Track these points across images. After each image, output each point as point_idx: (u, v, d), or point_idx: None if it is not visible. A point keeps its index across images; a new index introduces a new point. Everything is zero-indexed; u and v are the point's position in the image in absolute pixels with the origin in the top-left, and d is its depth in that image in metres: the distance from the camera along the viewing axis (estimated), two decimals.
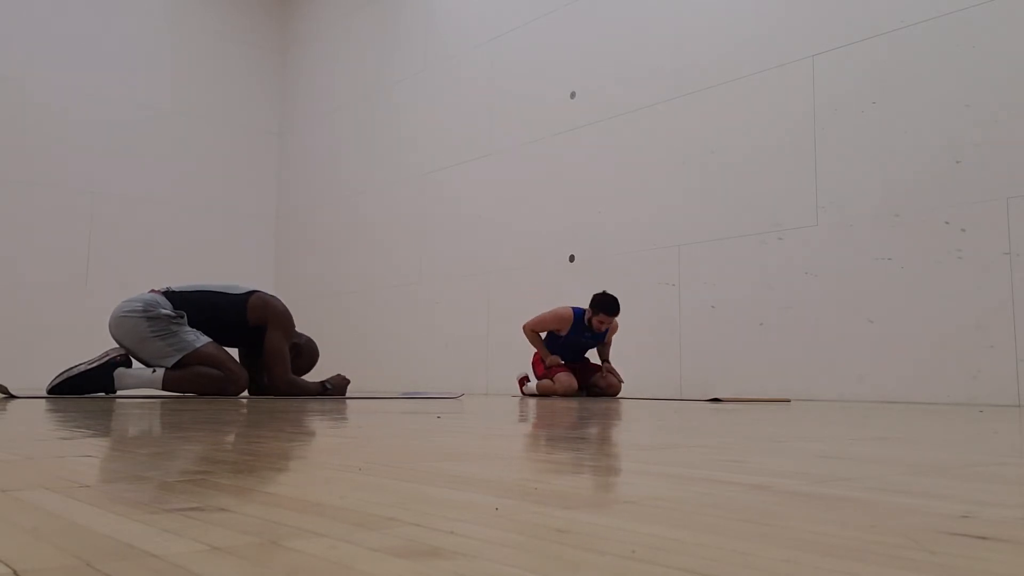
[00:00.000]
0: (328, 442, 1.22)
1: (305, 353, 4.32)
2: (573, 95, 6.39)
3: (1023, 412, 2.92)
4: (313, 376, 7.47)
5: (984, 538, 0.49)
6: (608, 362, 5.21)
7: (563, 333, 5.14)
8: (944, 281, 4.29)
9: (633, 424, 1.86)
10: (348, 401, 3.55)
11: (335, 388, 4.22)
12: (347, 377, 4.33)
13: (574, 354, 5.29)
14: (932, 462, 0.98)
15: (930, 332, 4.32)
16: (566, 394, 5.05)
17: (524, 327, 5.26)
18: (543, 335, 5.30)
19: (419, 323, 7.58)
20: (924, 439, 1.41)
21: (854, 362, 4.59)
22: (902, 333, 4.42)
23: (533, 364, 5.32)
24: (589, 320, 5.04)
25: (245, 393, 4.25)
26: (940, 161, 4.36)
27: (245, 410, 2.38)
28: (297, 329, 4.39)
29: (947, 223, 4.31)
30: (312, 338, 4.56)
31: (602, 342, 5.24)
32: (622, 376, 5.26)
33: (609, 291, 5.81)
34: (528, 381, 5.51)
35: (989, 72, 4.24)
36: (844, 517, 0.56)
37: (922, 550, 0.45)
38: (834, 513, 0.58)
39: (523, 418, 2.13)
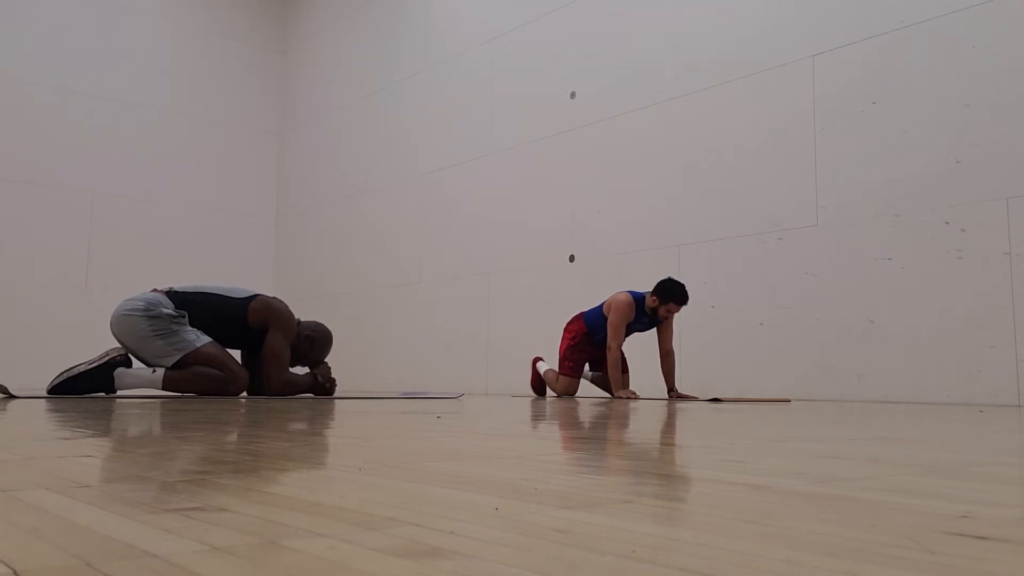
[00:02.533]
0: (328, 442, 1.22)
1: (318, 344, 4.32)
2: (573, 95, 6.39)
3: (1023, 412, 2.92)
4: None
5: (984, 538, 0.49)
6: (675, 389, 4.85)
7: (629, 320, 4.83)
8: (944, 281, 4.29)
9: (633, 425, 1.86)
10: (348, 401, 3.55)
11: (323, 376, 4.24)
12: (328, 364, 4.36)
13: (626, 333, 4.99)
14: (932, 462, 0.98)
15: (930, 332, 4.32)
16: (563, 394, 5.05)
17: (612, 349, 4.78)
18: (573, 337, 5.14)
19: (419, 323, 7.58)
20: (924, 439, 1.41)
21: (854, 362, 4.59)
22: (902, 333, 4.42)
23: (561, 359, 5.10)
24: (653, 309, 4.75)
25: (245, 393, 4.25)
26: (940, 161, 4.36)
27: (245, 410, 2.38)
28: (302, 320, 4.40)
29: (947, 223, 4.31)
30: (320, 322, 4.54)
31: (662, 325, 4.86)
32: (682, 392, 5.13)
33: (608, 284, 5.81)
34: (542, 360, 5.47)
35: (989, 72, 4.23)
36: (844, 517, 0.56)
37: (922, 550, 0.45)
38: (834, 513, 0.58)
39: (523, 418, 2.13)
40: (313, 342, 4.28)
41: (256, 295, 4.13)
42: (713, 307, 5.29)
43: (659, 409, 2.92)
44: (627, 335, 4.97)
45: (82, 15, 8.50)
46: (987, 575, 0.40)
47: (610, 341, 4.80)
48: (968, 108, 4.29)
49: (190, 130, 9.09)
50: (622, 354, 4.97)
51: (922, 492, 0.70)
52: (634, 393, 4.82)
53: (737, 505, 0.62)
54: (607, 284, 5.90)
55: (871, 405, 3.71)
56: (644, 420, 2.06)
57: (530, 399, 4.52)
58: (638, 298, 4.85)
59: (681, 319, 5.42)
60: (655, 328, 4.94)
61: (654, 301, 4.74)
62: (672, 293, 4.66)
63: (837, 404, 3.84)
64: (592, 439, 1.35)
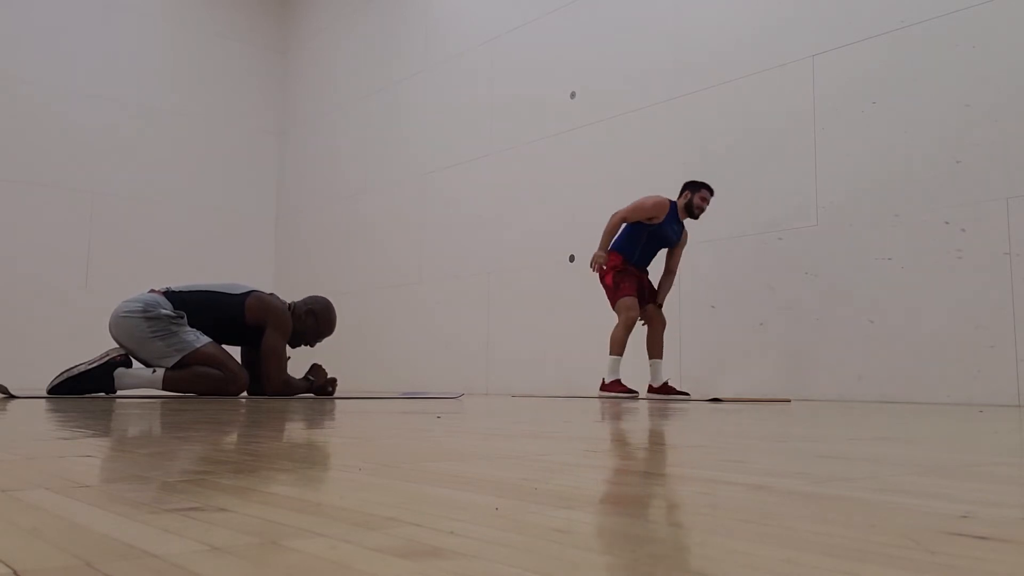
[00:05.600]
0: (328, 442, 1.22)
1: (321, 317, 4.31)
2: (573, 95, 6.39)
3: (1023, 412, 2.92)
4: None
5: (984, 538, 0.49)
6: (662, 304, 4.92)
7: (656, 222, 4.77)
8: (944, 281, 4.29)
9: (633, 424, 1.86)
10: (348, 401, 3.55)
11: (316, 381, 4.24)
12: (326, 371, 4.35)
13: (650, 253, 4.88)
14: (932, 462, 0.98)
15: (930, 332, 4.32)
16: (629, 325, 4.77)
17: (614, 215, 4.80)
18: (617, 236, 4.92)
19: (419, 323, 7.58)
20: (924, 439, 1.41)
21: (854, 362, 4.59)
22: (902, 333, 4.42)
23: (613, 287, 4.79)
24: (687, 203, 4.81)
25: (244, 393, 4.25)
26: (940, 161, 4.36)
27: (245, 410, 2.39)
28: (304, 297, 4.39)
29: (947, 223, 4.31)
30: (324, 296, 4.48)
31: (679, 244, 4.91)
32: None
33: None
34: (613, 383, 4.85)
35: (989, 72, 4.23)
36: (844, 517, 0.56)
37: (922, 550, 0.45)
38: (834, 513, 0.58)
39: (524, 418, 2.13)
40: (315, 316, 4.27)
41: (251, 291, 4.13)
42: (713, 307, 5.29)
43: (659, 409, 2.92)
44: (658, 247, 4.87)
45: (82, 15, 8.50)
46: (987, 575, 0.40)
47: (620, 212, 4.78)
48: (968, 108, 4.29)
49: (190, 130, 9.09)
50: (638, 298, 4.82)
51: (922, 492, 0.70)
52: (602, 259, 4.72)
53: (737, 505, 0.62)
54: None
55: (871, 405, 3.71)
56: (644, 420, 2.06)
57: (531, 399, 4.51)
58: (671, 201, 4.80)
59: (681, 319, 5.42)
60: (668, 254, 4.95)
61: (687, 196, 4.83)
62: (700, 183, 4.86)
63: (837, 404, 3.84)
64: (592, 439, 1.35)
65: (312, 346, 4.34)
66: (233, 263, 9.29)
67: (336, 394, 4.76)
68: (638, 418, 2.17)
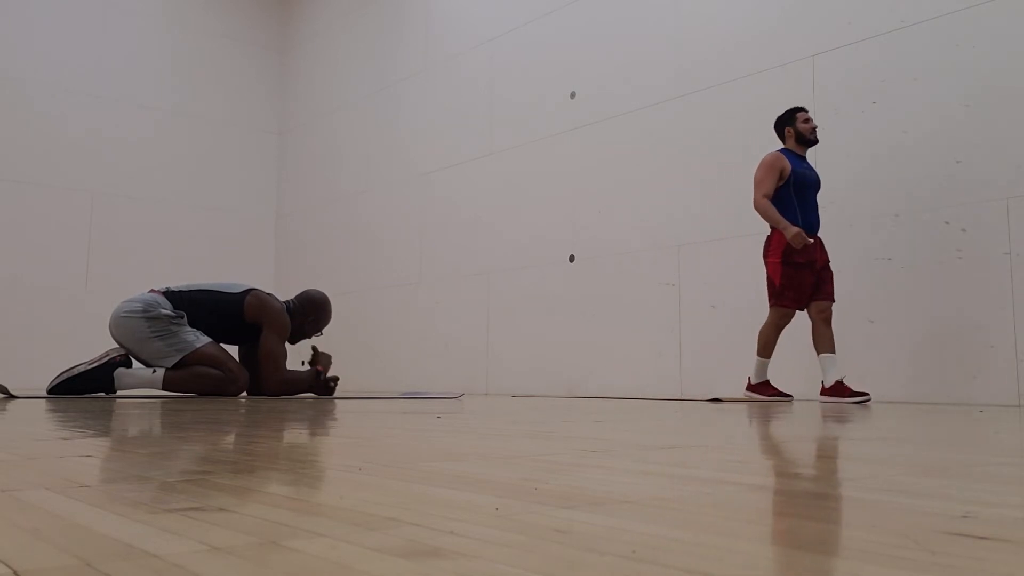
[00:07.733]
0: (327, 442, 1.22)
1: (320, 311, 4.39)
2: (573, 95, 6.39)
3: (1023, 412, 2.92)
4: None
5: (984, 538, 0.49)
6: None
7: (788, 172, 4.29)
8: (944, 281, 4.29)
9: (634, 424, 1.86)
10: (348, 401, 3.55)
11: (319, 361, 4.28)
12: (328, 355, 4.38)
13: (810, 207, 4.36)
14: (932, 462, 0.98)
15: (930, 332, 4.32)
16: (779, 328, 4.36)
17: (755, 201, 4.30)
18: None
19: (419, 324, 7.58)
20: (924, 439, 1.41)
21: (854, 362, 4.59)
22: (902, 333, 4.42)
23: (781, 289, 4.28)
24: (797, 137, 4.38)
25: (244, 393, 4.25)
26: (940, 161, 4.36)
27: (244, 410, 2.39)
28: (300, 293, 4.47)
29: (947, 223, 4.31)
30: (318, 290, 4.56)
31: (814, 171, 4.43)
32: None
33: (608, 284, 5.80)
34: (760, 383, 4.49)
35: (989, 72, 4.23)
36: (844, 517, 0.56)
37: (922, 550, 0.45)
38: (834, 513, 0.58)
39: (523, 419, 2.13)
40: (312, 307, 4.35)
41: (251, 290, 4.14)
42: (713, 307, 5.29)
43: (658, 409, 2.92)
44: (812, 193, 4.40)
45: (82, 15, 8.50)
46: (987, 575, 0.40)
47: (756, 196, 4.31)
48: (968, 108, 4.29)
49: (190, 130, 9.09)
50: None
51: (922, 492, 0.70)
52: (799, 233, 4.16)
53: (737, 505, 0.62)
54: (607, 284, 5.90)
55: (871, 405, 3.71)
56: (644, 420, 2.06)
57: (529, 399, 4.51)
58: (782, 150, 4.43)
59: (681, 319, 5.42)
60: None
61: (790, 132, 4.42)
62: (791, 110, 4.44)
63: (837, 404, 3.84)
64: (591, 439, 1.35)
65: (309, 337, 4.43)
66: (233, 263, 9.28)
67: (336, 394, 4.76)
68: (638, 418, 2.17)
